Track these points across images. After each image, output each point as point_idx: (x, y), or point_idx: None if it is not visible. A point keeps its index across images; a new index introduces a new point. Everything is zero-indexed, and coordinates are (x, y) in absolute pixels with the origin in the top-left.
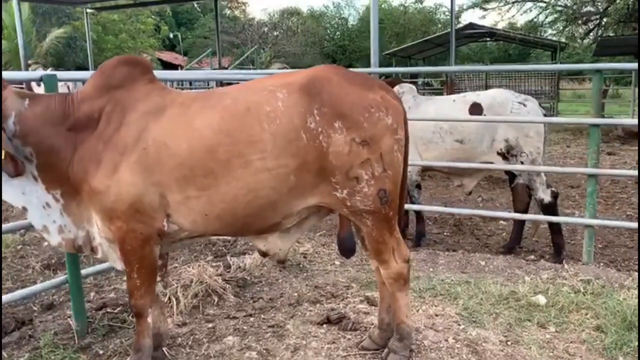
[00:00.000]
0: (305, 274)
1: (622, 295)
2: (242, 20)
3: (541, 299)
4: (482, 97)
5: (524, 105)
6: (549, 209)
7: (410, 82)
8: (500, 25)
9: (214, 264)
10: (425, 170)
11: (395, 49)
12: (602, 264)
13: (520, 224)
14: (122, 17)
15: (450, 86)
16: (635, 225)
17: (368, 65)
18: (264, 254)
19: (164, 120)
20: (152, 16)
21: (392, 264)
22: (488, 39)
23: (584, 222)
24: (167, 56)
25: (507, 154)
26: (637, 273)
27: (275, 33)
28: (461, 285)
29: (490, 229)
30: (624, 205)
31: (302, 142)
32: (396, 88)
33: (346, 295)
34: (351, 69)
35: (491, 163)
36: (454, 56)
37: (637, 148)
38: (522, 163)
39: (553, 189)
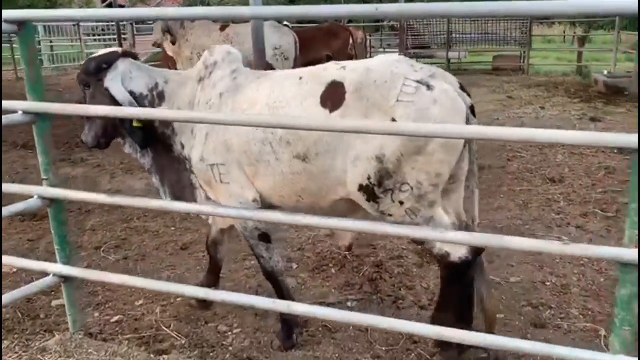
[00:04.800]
0: None
1: None
2: None
3: None
4: (349, 71)
5: (429, 87)
6: (457, 275)
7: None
8: None
9: None
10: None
11: None
12: None
13: None
14: None
15: (403, 33)
16: None
17: None
18: None
19: None
20: None
21: None
22: None
23: None
24: None
25: (377, 188)
26: None
27: None
28: None
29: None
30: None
31: None
32: (205, 54)
33: None
34: None
35: (349, 201)
36: None
37: (623, 110)
38: (401, 204)
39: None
